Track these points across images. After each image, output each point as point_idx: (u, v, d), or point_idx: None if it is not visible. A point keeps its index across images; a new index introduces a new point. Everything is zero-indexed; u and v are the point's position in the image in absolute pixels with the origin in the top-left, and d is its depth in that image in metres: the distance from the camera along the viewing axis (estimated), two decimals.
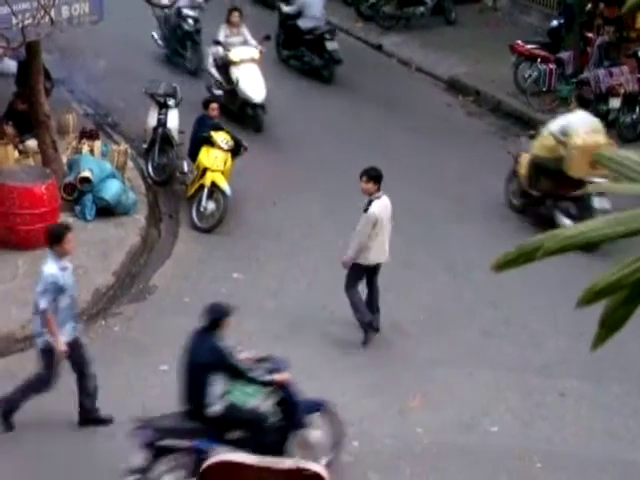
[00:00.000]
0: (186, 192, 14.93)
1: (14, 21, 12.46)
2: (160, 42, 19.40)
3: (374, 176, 11.66)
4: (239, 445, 9.06)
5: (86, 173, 13.99)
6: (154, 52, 19.45)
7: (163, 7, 17.57)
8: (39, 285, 9.94)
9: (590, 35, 18.26)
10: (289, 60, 19.61)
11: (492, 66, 19.14)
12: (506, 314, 12.60)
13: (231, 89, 17.29)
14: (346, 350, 11.77)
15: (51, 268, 9.87)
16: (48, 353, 9.99)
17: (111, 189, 14.04)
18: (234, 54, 17.31)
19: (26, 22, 12.26)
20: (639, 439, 10.57)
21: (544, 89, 18.25)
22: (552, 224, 13.31)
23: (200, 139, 14.54)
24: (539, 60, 18.27)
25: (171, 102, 15.50)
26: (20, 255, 13.01)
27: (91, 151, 14.84)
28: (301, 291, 12.70)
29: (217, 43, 17.54)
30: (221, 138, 14.50)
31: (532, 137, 15.03)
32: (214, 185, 14.29)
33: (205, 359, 9.02)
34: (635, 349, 11.34)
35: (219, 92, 17.48)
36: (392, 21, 21.69)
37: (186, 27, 18.97)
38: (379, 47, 20.90)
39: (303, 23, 19.14)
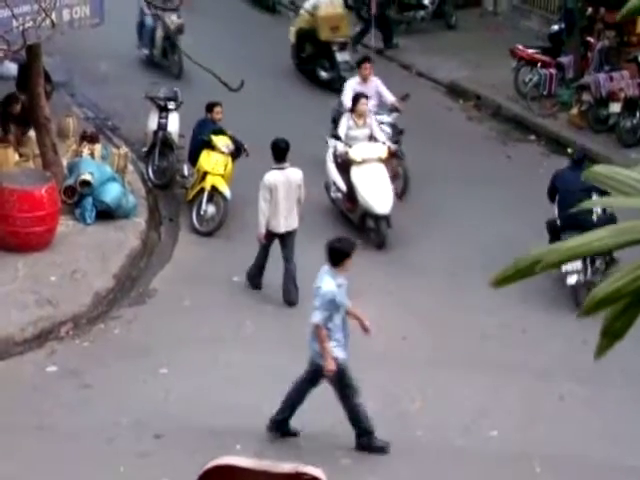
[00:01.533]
0: (186, 196, 14.92)
1: (15, 24, 12.47)
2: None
3: (274, 146, 12.55)
4: None
5: (86, 176, 13.99)
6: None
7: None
8: (316, 300, 9.85)
9: (591, 40, 18.25)
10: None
11: (492, 70, 19.13)
12: (505, 318, 12.60)
13: (351, 194, 14.31)
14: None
15: (330, 285, 9.79)
16: (338, 371, 9.92)
17: (111, 192, 14.05)
18: (355, 152, 14.24)
19: (27, 25, 12.27)
20: (638, 444, 10.56)
21: (544, 93, 18.22)
22: (316, 76, 19.10)
23: (200, 142, 14.53)
24: (539, 64, 18.25)
25: (172, 106, 15.50)
26: (20, 258, 13.02)
27: (91, 154, 14.83)
28: (302, 294, 12.67)
29: (336, 137, 14.69)
30: (221, 142, 14.48)
31: (296, 14, 20.29)
32: (214, 189, 14.29)
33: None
34: (635, 354, 11.33)
35: (337, 195, 14.53)
36: (393, 25, 21.68)
37: None
38: (380, 51, 20.89)
39: None
